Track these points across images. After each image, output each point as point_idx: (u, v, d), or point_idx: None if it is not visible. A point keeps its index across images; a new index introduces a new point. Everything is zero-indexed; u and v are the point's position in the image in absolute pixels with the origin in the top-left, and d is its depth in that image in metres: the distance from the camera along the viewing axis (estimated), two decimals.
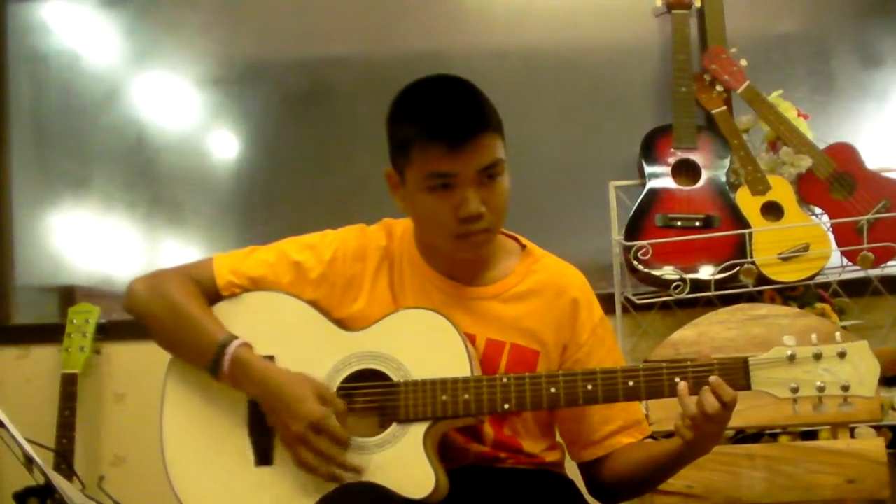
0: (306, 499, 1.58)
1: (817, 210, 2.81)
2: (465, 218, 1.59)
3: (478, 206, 1.58)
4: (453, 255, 1.67)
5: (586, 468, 1.77)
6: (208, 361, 1.64)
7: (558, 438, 1.81)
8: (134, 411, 2.98)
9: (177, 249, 3.31)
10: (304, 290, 1.72)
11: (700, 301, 2.69)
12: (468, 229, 1.60)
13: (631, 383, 1.55)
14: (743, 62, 2.86)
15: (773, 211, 2.75)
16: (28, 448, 1.77)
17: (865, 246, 2.66)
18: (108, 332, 2.96)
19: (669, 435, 1.61)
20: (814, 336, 1.49)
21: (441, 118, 1.57)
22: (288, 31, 3.30)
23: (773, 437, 2.44)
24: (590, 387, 1.56)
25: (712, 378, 1.49)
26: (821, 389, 1.47)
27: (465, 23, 3.23)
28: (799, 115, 2.84)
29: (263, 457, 1.65)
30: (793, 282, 2.68)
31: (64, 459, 2.66)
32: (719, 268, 2.67)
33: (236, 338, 1.65)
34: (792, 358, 1.48)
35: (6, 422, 1.78)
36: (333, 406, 1.59)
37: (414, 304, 1.68)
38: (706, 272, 2.67)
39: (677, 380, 1.51)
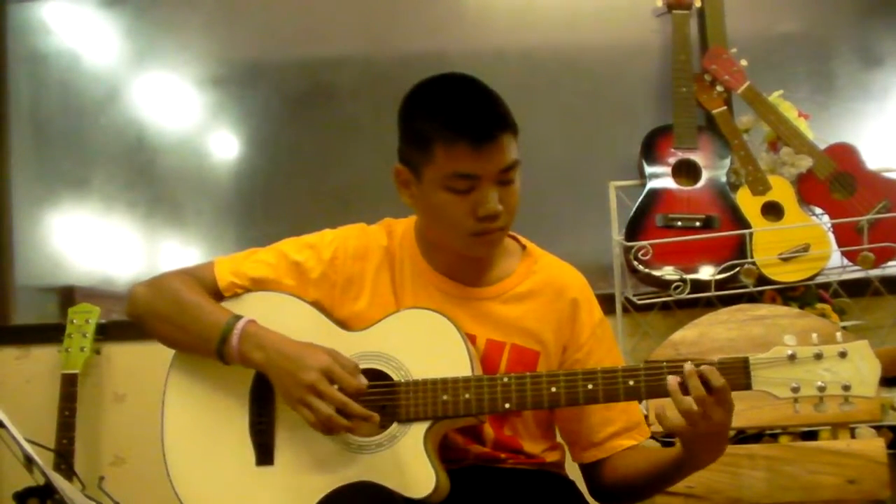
0: (307, 498, 1.57)
1: (817, 210, 2.81)
2: (485, 217, 1.59)
3: (496, 205, 1.59)
4: (466, 253, 1.67)
5: (588, 470, 1.77)
6: (215, 341, 1.63)
7: (559, 439, 1.81)
8: (134, 411, 2.98)
9: (177, 250, 3.31)
10: (306, 291, 1.72)
11: (700, 301, 2.69)
12: (485, 227, 1.61)
13: (631, 383, 1.54)
14: (743, 62, 2.86)
15: (773, 211, 2.75)
16: (28, 448, 1.77)
17: (866, 246, 2.66)
18: (108, 332, 2.96)
19: (670, 435, 1.60)
20: (814, 336, 1.49)
21: (466, 116, 1.57)
22: (288, 31, 3.30)
23: (774, 437, 2.44)
24: (590, 386, 1.55)
25: (703, 367, 1.48)
26: (821, 389, 1.46)
27: (466, 23, 3.23)
28: (799, 115, 2.84)
29: (264, 456, 1.65)
30: (793, 282, 2.68)
31: (64, 459, 2.66)
32: (720, 268, 2.67)
33: (243, 316, 1.65)
34: (792, 357, 1.48)
35: (6, 422, 1.78)
36: (343, 362, 1.58)
37: (415, 304, 1.68)
38: (706, 272, 2.68)
39: (668, 377, 1.50)
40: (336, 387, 1.54)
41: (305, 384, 1.54)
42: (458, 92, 1.62)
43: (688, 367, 1.48)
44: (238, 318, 1.64)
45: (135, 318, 1.75)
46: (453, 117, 1.57)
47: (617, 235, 2.80)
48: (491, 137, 1.56)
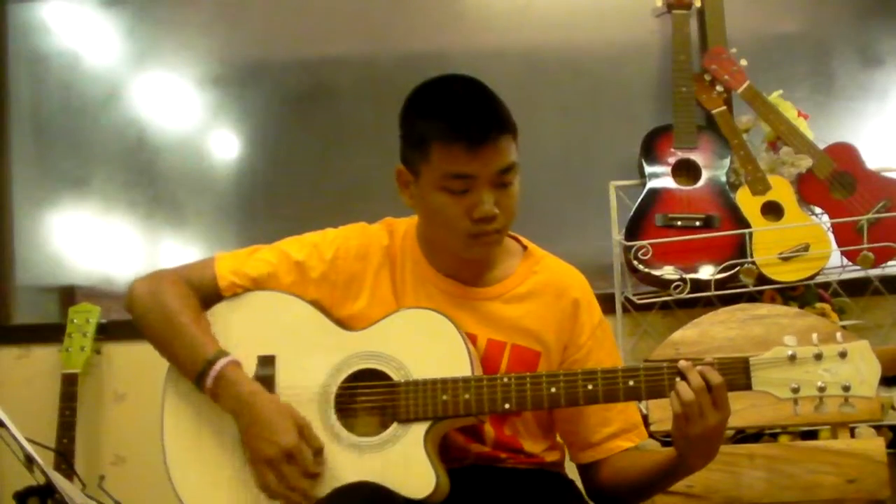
0: None
1: (817, 210, 2.81)
2: (480, 219, 1.59)
3: (492, 207, 1.59)
4: (463, 255, 1.67)
5: (584, 471, 1.77)
6: (194, 374, 1.63)
7: (559, 439, 1.81)
8: (134, 411, 2.98)
9: (177, 249, 3.31)
10: (306, 290, 1.72)
11: (700, 301, 2.69)
12: (481, 229, 1.61)
13: (631, 383, 1.54)
14: (743, 62, 2.86)
15: (773, 211, 2.75)
16: (28, 448, 1.77)
17: (865, 246, 2.66)
18: (108, 331, 2.96)
19: (669, 435, 1.61)
20: (815, 336, 1.49)
21: (463, 117, 1.57)
22: (288, 31, 3.30)
23: (773, 436, 2.44)
24: (590, 386, 1.55)
25: (699, 367, 1.49)
26: (822, 390, 1.46)
27: (466, 23, 3.23)
28: (799, 115, 2.84)
29: None
30: (793, 282, 2.68)
31: (64, 459, 2.66)
32: (719, 268, 2.67)
33: (227, 355, 1.64)
34: (793, 358, 1.48)
35: (7, 422, 1.78)
36: (310, 441, 1.57)
37: (415, 304, 1.68)
38: (706, 272, 2.68)
39: (678, 380, 1.51)
40: (294, 468, 1.55)
41: (265, 457, 1.55)
42: (456, 93, 1.63)
43: (683, 363, 1.49)
44: (220, 356, 1.63)
45: (130, 315, 1.75)
46: (450, 118, 1.57)
47: (617, 235, 2.80)
48: (487, 138, 1.56)
